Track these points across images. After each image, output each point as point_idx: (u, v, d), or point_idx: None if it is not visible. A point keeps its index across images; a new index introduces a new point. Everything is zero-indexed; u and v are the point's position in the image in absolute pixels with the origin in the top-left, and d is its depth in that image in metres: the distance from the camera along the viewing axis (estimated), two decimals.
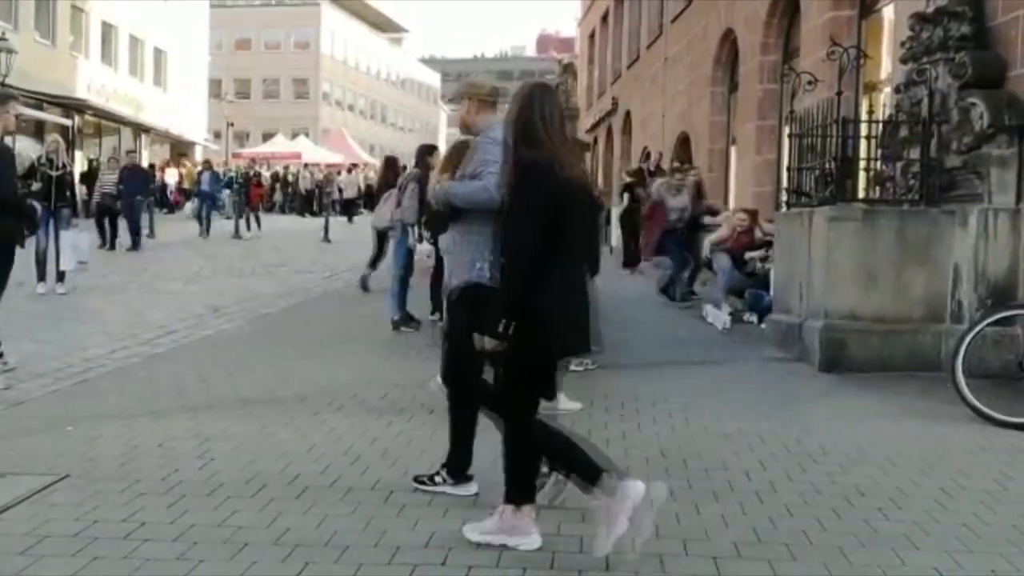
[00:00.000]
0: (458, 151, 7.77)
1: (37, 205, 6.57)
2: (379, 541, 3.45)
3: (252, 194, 24.07)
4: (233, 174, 27.99)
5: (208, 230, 20.85)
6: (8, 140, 6.11)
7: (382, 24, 70.01)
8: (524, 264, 3.20)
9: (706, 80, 17.50)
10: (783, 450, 4.86)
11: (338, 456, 4.55)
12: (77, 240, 10.23)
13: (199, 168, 24.91)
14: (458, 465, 3.99)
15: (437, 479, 4.00)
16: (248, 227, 21.88)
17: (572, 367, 6.59)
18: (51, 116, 25.68)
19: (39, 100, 25.24)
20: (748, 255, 9.93)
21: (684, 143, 19.26)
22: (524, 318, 3.20)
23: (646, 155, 20.88)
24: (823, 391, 6.49)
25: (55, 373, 6.28)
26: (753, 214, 10.44)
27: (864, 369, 6.84)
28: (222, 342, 7.86)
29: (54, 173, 10.16)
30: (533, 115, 3.30)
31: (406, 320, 8.71)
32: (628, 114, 26.47)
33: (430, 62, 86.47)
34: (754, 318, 9.33)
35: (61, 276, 10.27)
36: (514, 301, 3.20)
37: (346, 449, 4.67)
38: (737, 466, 4.52)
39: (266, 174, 35.38)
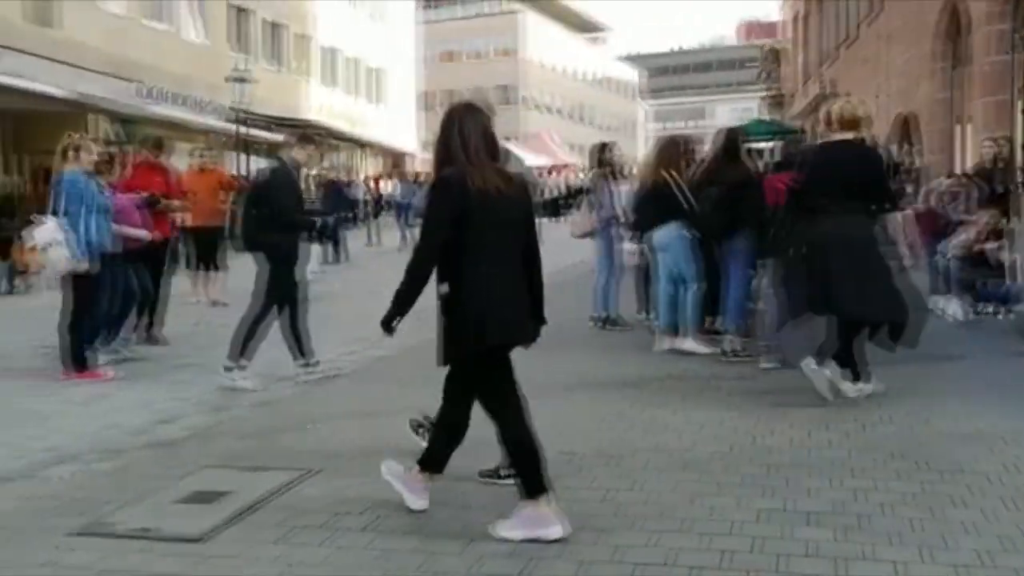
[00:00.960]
0: (671, 145, 7.72)
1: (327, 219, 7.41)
2: (598, 539, 3.50)
3: None
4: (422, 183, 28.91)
5: (404, 239, 21.63)
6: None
7: (581, 25, 70.55)
8: (415, 270, 3.55)
9: (927, 56, 16.39)
10: None
11: (555, 455, 4.63)
12: (312, 251, 11.06)
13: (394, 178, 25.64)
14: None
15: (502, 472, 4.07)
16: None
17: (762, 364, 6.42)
18: (282, 137, 27.76)
19: (270, 123, 27.43)
20: (987, 247, 9.13)
21: (904, 125, 18.12)
22: (451, 316, 3.54)
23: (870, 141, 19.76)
24: None
25: (298, 375, 6.79)
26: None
27: None
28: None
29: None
30: (452, 134, 3.57)
31: (610, 321, 8.75)
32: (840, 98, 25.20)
33: (629, 59, 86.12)
34: (995, 310, 8.62)
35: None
36: (399, 298, 3.54)
37: (562, 448, 4.77)
38: (978, 469, 4.23)
39: None
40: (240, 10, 28.47)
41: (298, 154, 6.86)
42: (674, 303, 7.50)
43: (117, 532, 3.67)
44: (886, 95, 19.53)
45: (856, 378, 5.72)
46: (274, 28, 30.52)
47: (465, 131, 3.56)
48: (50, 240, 7.15)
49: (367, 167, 36.40)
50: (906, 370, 6.51)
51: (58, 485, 4.35)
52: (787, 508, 3.80)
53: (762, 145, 14.93)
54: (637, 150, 65.17)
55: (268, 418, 5.62)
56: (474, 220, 3.47)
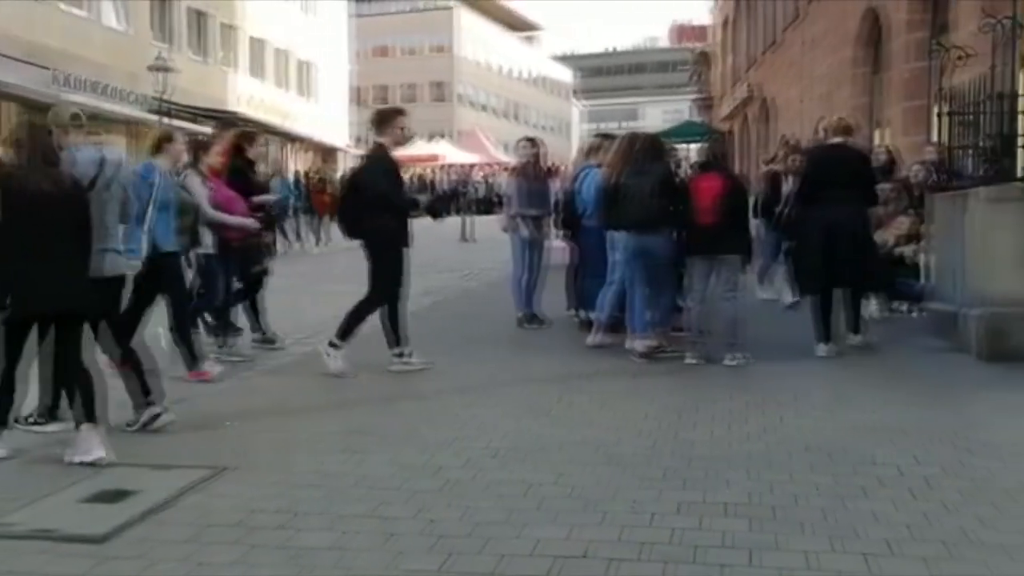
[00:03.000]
0: (653, 141, 7.93)
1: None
2: (520, 533, 3.49)
3: (317, 202, 20.38)
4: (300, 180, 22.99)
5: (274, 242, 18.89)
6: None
7: (516, 23, 70.62)
8: None
9: (848, 61, 16.82)
10: (940, 444, 4.63)
11: (479, 451, 4.63)
12: None
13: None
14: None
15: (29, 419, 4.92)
16: (316, 241, 19.64)
17: (725, 362, 6.57)
18: (205, 128, 27.14)
19: (194, 114, 26.79)
20: (905, 250, 9.31)
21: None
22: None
23: (784, 142, 20.20)
24: (984, 382, 6.13)
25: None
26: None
27: None
28: (368, 340, 8.11)
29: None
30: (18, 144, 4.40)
31: (530, 318, 8.75)
32: (765, 101, 25.78)
33: (564, 59, 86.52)
34: (908, 308, 8.85)
35: None
36: None
37: (486, 444, 4.75)
38: (888, 461, 4.34)
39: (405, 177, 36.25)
40: None
41: (384, 137, 6.82)
42: (623, 302, 7.39)
43: (16, 532, 3.51)
44: (809, 99, 20.01)
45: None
46: (199, 16, 29.83)
47: (25, 142, 4.36)
48: None
49: (297, 162, 35.82)
50: (821, 365, 6.70)
51: None
52: (706, 500, 3.84)
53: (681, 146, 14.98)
54: (572, 150, 65.52)
55: (181, 416, 5.43)
56: (11, 211, 4.26)
